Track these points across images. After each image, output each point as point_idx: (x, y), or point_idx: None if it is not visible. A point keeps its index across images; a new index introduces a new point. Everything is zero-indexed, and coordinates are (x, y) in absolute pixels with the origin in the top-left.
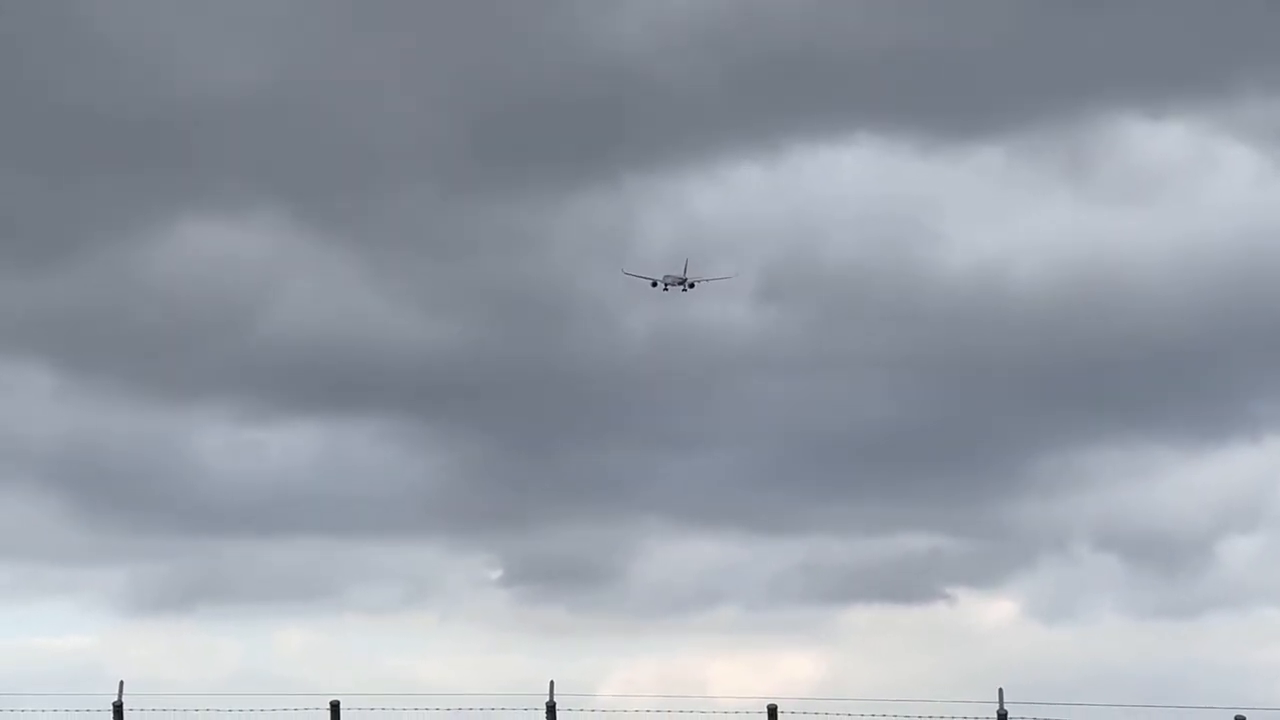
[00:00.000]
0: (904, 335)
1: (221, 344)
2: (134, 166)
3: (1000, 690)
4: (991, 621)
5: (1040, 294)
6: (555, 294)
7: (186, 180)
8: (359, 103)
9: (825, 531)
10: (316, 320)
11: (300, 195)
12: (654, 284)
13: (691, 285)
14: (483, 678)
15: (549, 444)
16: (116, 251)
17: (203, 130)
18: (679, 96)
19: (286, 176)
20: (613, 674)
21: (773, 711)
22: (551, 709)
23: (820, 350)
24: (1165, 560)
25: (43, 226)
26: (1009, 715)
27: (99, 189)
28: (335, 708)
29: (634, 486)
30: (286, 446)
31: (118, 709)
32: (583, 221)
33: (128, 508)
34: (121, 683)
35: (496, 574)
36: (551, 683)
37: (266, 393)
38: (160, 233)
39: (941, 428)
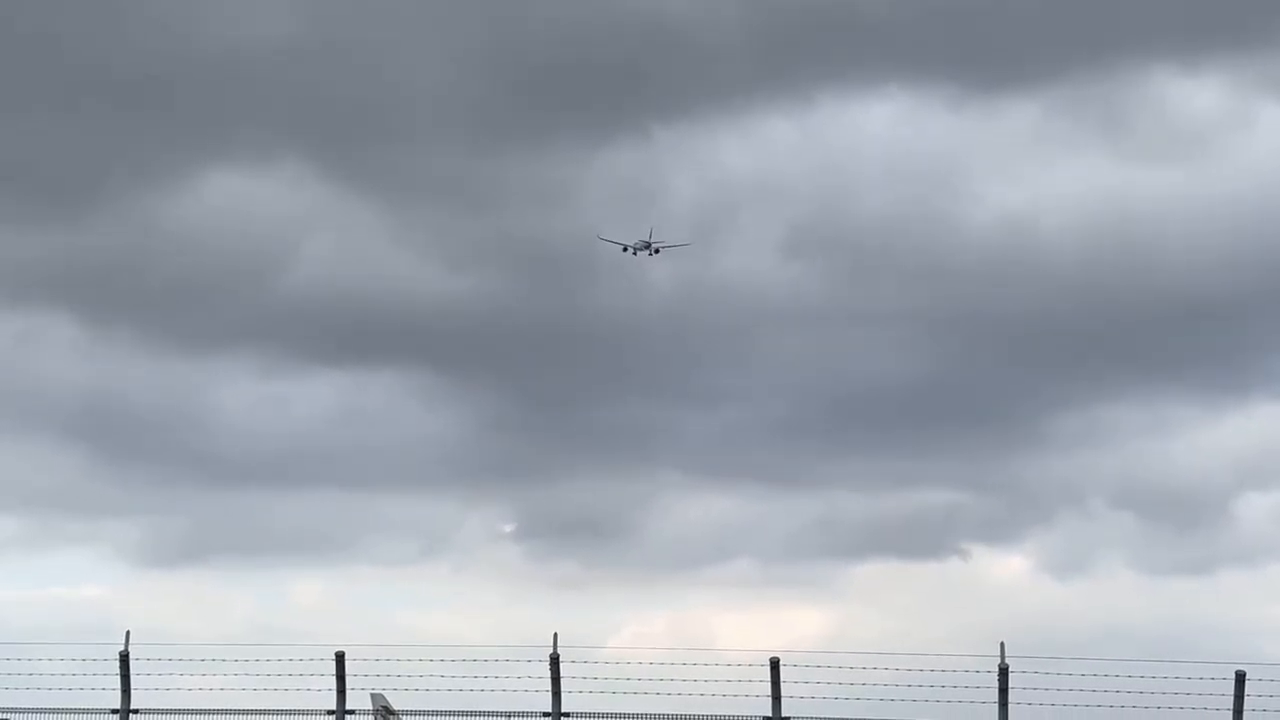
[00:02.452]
0: (929, 291)
1: (244, 296)
2: (159, 118)
3: (1002, 644)
4: (1002, 577)
5: (1068, 250)
6: (580, 249)
7: (212, 132)
8: (386, 56)
9: (843, 487)
10: (339, 273)
11: (326, 148)
12: (625, 249)
13: (656, 251)
14: (491, 631)
15: (567, 398)
16: (140, 203)
17: (229, 82)
18: (709, 49)
19: (312, 129)
20: (622, 628)
21: (775, 664)
22: (555, 661)
23: (844, 306)
24: (1181, 517)
25: (66, 177)
26: (1010, 669)
27: (124, 140)
28: (340, 659)
29: (652, 441)
30: (306, 399)
31: (124, 659)
32: (610, 176)
33: (147, 460)
34: (128, 633)
35: (510, 528)
36: (555, 634)
37: (288, 345)
38: (185, 184)
39: (964, 384)
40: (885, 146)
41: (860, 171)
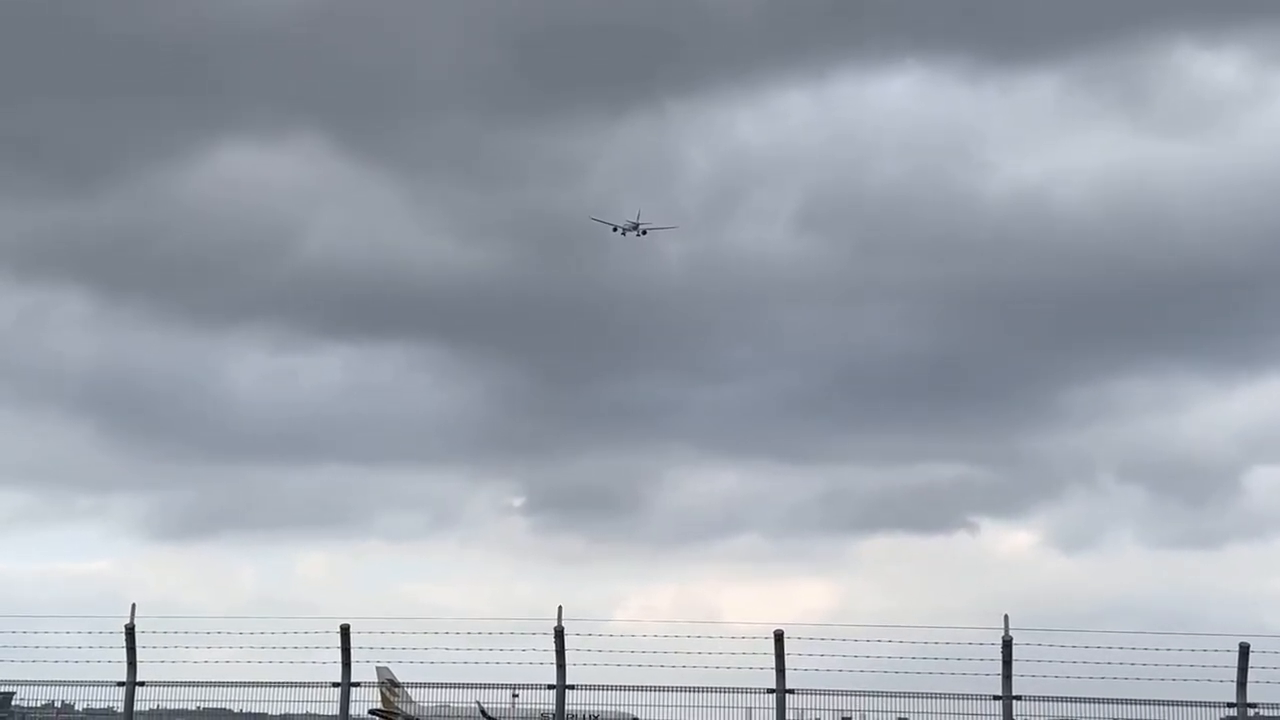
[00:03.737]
0: (942, 265)
1: (256, 270)
2: (171, 91)
3: (1005, 617)
4: (1009, 550)
5: (1083, 224)
6: (592, 223)
7: (224, 105)
8: (400, 28)
9: (851, 461)
10: (351, 247)
11: (338, 122)
12: (614, 229)
13: (644, 232)
14: (498, 604)
15: (577, 373)
16: (152, 177)
17: (241, 55)
18: (724, 23)
19: (325, 102)
20: (628, 601)
21: (779, 636)
22: (560, 634)
23: (857, 279)
24: (1190, 491)
25: (78, 151)
26: (1014, 641)
27: (136, 114)
28: (345, 631)
29: (661, 416)
30: (317, 373)
31: (130, 631)
32: (625, 149)
33: (158, 434)
34: (134, 605)
35: (519, 502)
36: (560, 608)
37: (299, 319)
38: (197, 158)
39: (975, 358)
40: (900, 119)
41: (875, 144)
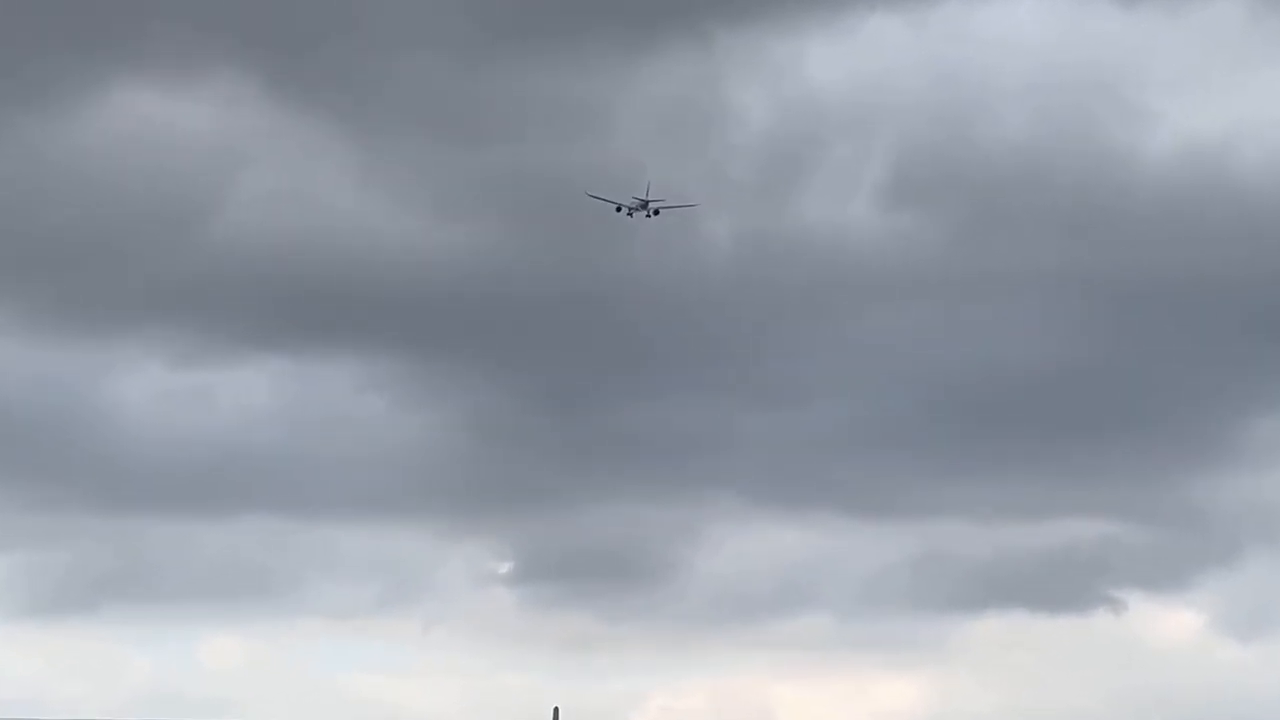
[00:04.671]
0: (1082, 247)
1: (155, 254)
2: (47, 16)
3: None
4: (1166, 635)
5: (1272, 193)
6: (610, 191)
7: (121, 36)
8: None
9: (952, 516)
10: (286, 223)
11: (272, 56)
12: (619, 208)
13: (656, 212)
14: (476, 705)
15: (585, 395)
16: (22, 130)
17: None
18: None
19: (251, 31)
20: (648, 701)
21: None
22: None
23: (964, 269)
24: None
25: None
26: None
27: (2, 50)
28: None
29: (696, 452)
30: (236, 394)
31: None
32: (651, 95)
33: (20, 475)
34: None
35: (505, 567)
36: (556, 709)
37: (213, 321)
38: (83, 105)
39: (1119, 374)
40: (1030, 54)
41: (994, 87)
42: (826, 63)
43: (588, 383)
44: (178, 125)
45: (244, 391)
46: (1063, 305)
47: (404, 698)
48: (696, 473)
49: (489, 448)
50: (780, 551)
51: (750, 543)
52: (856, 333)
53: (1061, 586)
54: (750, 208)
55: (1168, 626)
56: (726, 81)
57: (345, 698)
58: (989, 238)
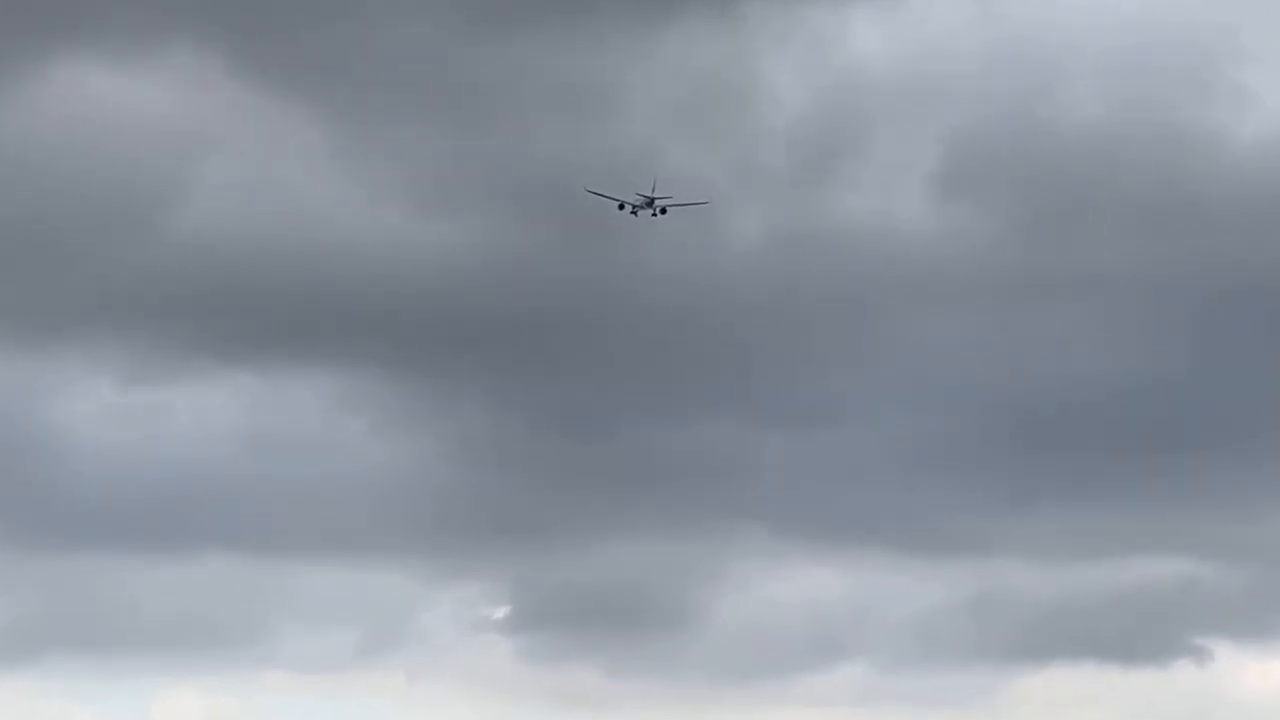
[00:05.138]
0: (1159, 247)
1: (104, 254)
2: None
3: None
4: (1258, 689)
5: None
6: (620, 184)
7: (64, 4)
8: None
9: (1011, 551)
10: (253, 219)
11: (235, 29)
12: (621, 206)
13: (663, 210)
14: None
15: (593, 414)
16: None
17: None
18: None
19: (218, 1)
20: None
21: None
22: None
23: (1025, 269)
24: None
25: None
26: None
27: None
28: None
29: (720, 479)
30: (194, 415)
31: None
32: (673, 72)
33: None
34: None
35: (500, 612)
36: None
37: (168, 331)
38: (20, 83)
39: (1204, 390)
40: (1104, 25)
41: (1063, 62)
42: (872, 35)
43: (594, 401)
44: (129, 107)
45: (204, 411)
46: (1139, 311)
47: None
48: (718, 503)
49: (482, 475)
50: (814, 594)
51: (780, 584)
52: (903, 343)
53: (1137, 634)
54: (782, 201)
55: (1259, 679)
56: (756, 57)
57: None
58: (1055, 234)
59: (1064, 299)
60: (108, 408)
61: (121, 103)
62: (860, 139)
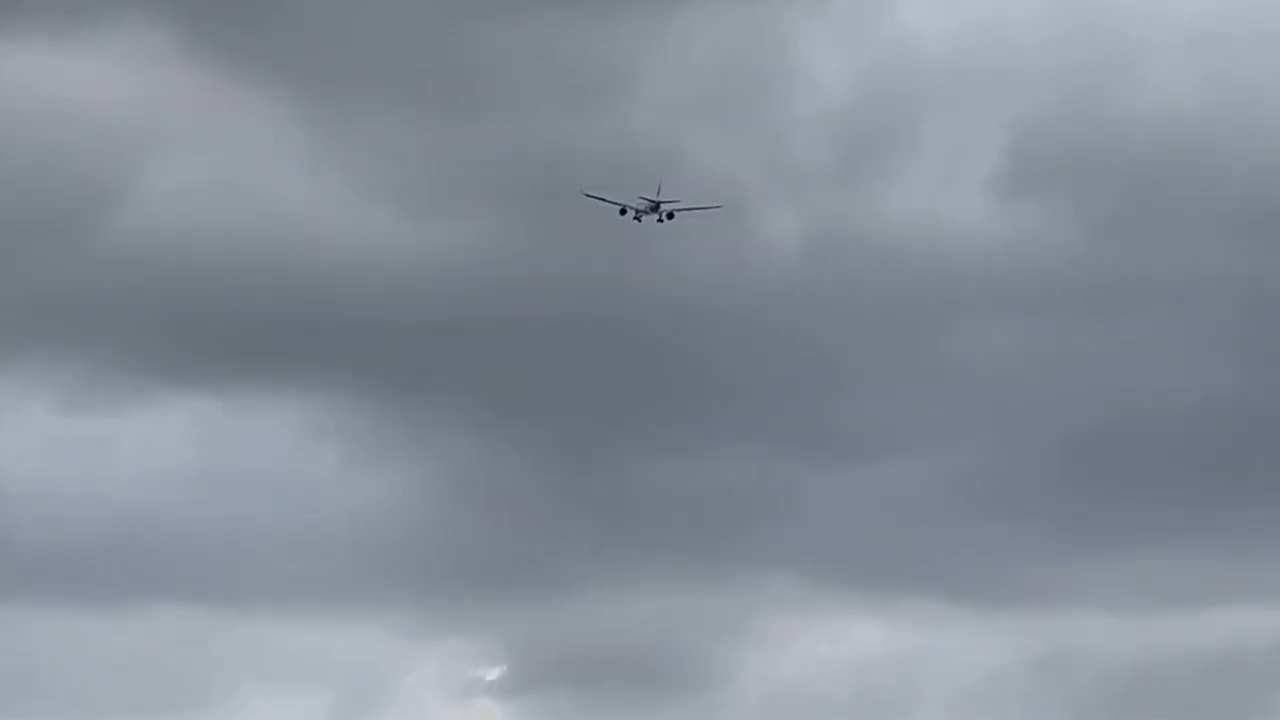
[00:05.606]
0: (1254, 251)
1: (40, 260)
2: None
3: None
4: None
5: None
6: (635, 177)
7: None
8: None
9: (1084, 602)
10: (211, 221)
11: (189, 3)
12: (623, 211)
13: (670, 215)
14: None
15: (602, 445)
16: None
17: None
18: None
19: None
20: None
21: None
22: None
23: (1100, 277)
24: None
25: None
26: None
27: None
28: None
29: (749, 520)
30: (142, 446)
31: None
32: (695, 53)
33: None
34: None
35: (494, 673)
36: None
37: (114, 350)
38: None
39: None
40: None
41: (1144, 43)
42: (925, 10)
43: (604, 431)
44: (66, 89)
45: (153, 442)
46: (1234, 328)
47: None
48: (746, 547)
49: (474, 516)
50: (857, 651)
51: (817, 639)
52: (959, 363)
53: (1229, 697)
54: (819, 203)
55: None
56: (792, 36)
57: None
58: (1134, 238)
59: (1149, 313)
60: (42, 438)
61: (58, 85)
62: (910, 129)
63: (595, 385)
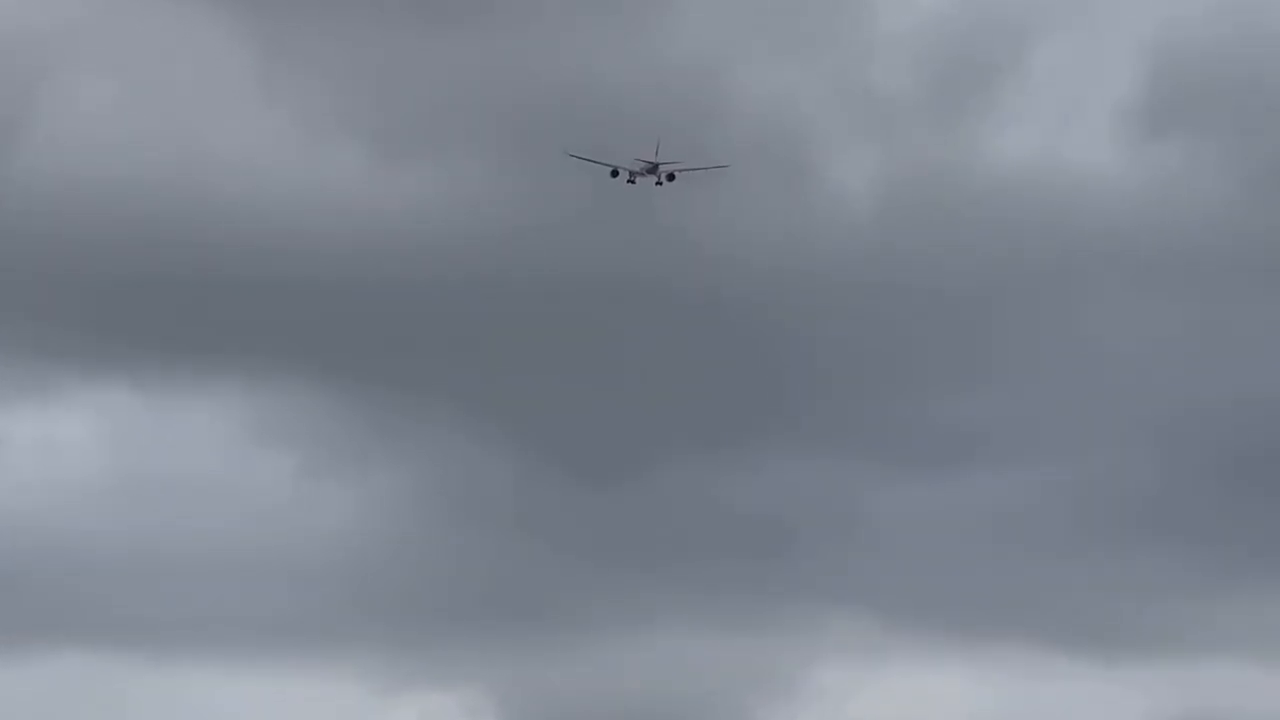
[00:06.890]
0: None
1: None
2: None
3: None
4: None
5: None
6: (668, 112)
7: None
8: None
9: (1227, 650)
10: (126, 161)
11: None
12: (614, 173)
13: (670, 177)
14: None
15: (621, 455)
16: None
17: None
18: None
19: None
20: None
21: None
22: None
23: (1252, 238)
24: None
25: None
26: None
27: None
28: None
29: (802, 547)
30: (43, 449)
31: None
32: None
33: None
34: None
35: None
36: None
37: (7, 331)
38: None
39: None
40: None
41: None
42: None
43: (624, 438)
44: None
45: (59, 444)
46: None
47: None
48: (798, 580)
49: (458, 537)
50: (943, 705)
51: (887, 695)
52: (1072, 350)
53: None
54: (904, 143)
55: None
56: None
57: None
58: None
59: None
60: None
61: None
62: (1017, 56)
63: (608, 373)
